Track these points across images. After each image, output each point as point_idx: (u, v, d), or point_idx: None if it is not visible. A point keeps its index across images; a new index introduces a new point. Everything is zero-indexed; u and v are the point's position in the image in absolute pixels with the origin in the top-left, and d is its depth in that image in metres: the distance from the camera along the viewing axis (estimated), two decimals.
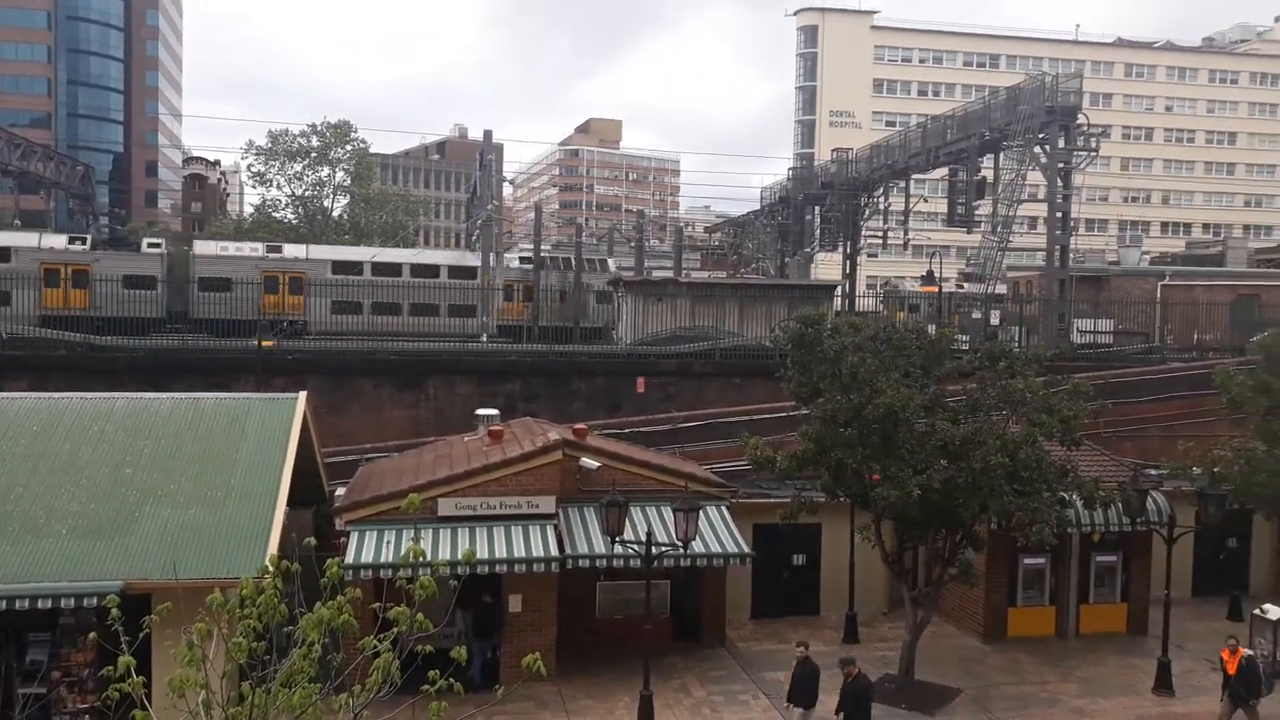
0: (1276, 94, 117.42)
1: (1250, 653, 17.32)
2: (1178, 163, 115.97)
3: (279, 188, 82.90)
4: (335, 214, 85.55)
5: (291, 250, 45.98)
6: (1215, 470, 21.87)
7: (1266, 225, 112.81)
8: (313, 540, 7.74)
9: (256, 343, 33.31)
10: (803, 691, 16.98)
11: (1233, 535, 26.01)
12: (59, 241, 42.71)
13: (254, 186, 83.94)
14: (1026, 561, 22.75)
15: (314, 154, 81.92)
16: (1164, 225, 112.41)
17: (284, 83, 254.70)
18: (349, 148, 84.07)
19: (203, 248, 45.90)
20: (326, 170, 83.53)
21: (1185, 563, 24.81)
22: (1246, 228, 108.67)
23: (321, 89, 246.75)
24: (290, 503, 17.47)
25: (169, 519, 16.28)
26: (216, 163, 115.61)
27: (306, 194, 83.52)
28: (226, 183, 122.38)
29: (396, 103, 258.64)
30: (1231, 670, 17.04)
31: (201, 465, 17.67)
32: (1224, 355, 37.32)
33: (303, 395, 19.93)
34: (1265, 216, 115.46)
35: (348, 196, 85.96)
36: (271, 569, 7.26)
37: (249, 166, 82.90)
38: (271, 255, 44.50)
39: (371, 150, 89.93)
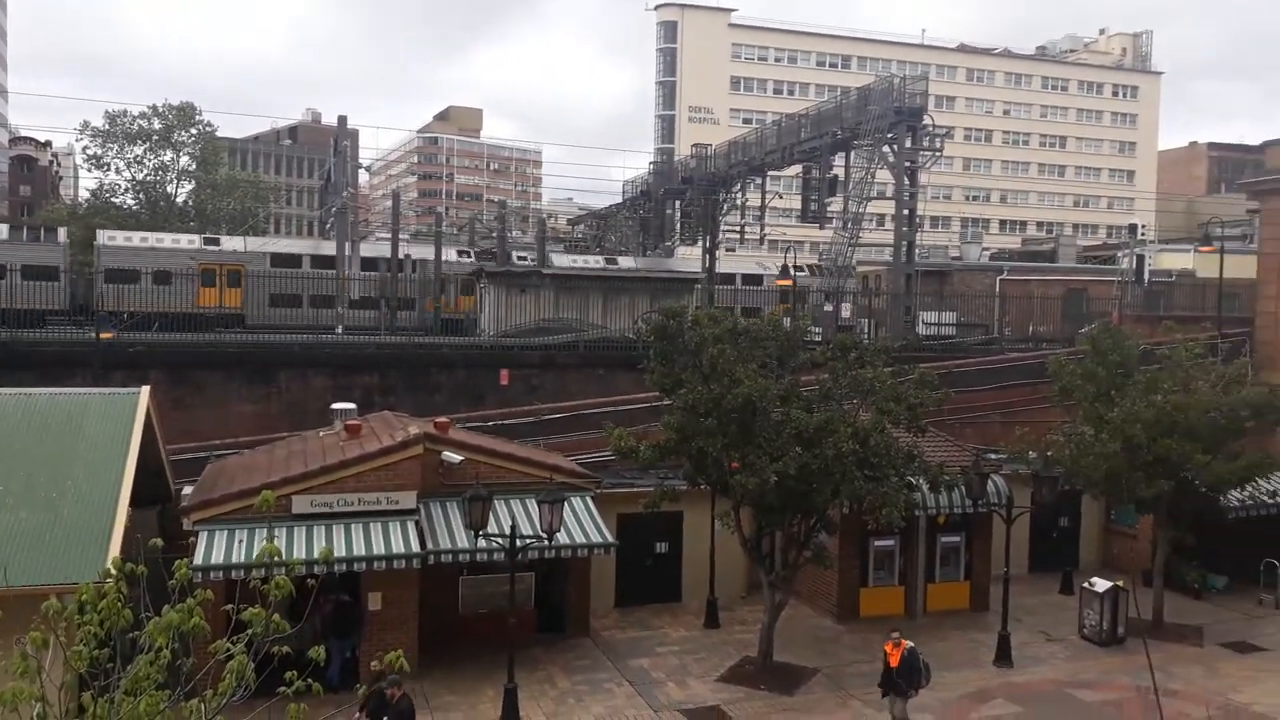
0: (1101, 101, 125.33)
1: (912, 645, 17.31)
2: (1014, 164, 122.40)
3: (118, 172, 78.41)
4: (180, 200, 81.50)
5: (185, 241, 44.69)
6: (1049, 454, 23.23)
7: (1093, 225, 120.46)
8: (159, 541, 7.38)
9: (94, 335, 31.45)
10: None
11: (1064, 515, 27.78)
12: None
13: (90, 170, 79.15)
14: (877, 544, 23.72)
15: (155, 137, 77.76)
16: (1002, 223, 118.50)
17: (117, 58, 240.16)
18: (194, 131, 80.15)
19: (110, 238, 44.16)
20: (170, 154, 79.42)
21: (1022, 541, 26.33)
22: (1076, 226, 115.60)
23: (160, 67, 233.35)
24: (134, 503, 16.60)
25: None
26: (47, 144, 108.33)
27: (148, 179, 79.25)
28: (59, 165, 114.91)
29: (244, 84, 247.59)
30: (894, 663, 17.11)
31: (34, 465, 16.58)
32: (1056, 345, 39.63)
33: (145, 390, 18.95)
34: (1092, 216, 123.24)
35: (193, 182, 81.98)
36: (114, 572, 6.91)
37: (84, 149, 78.13)
38: (209, 247, 43.77)
39: (218, 134, 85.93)
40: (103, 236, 44.61)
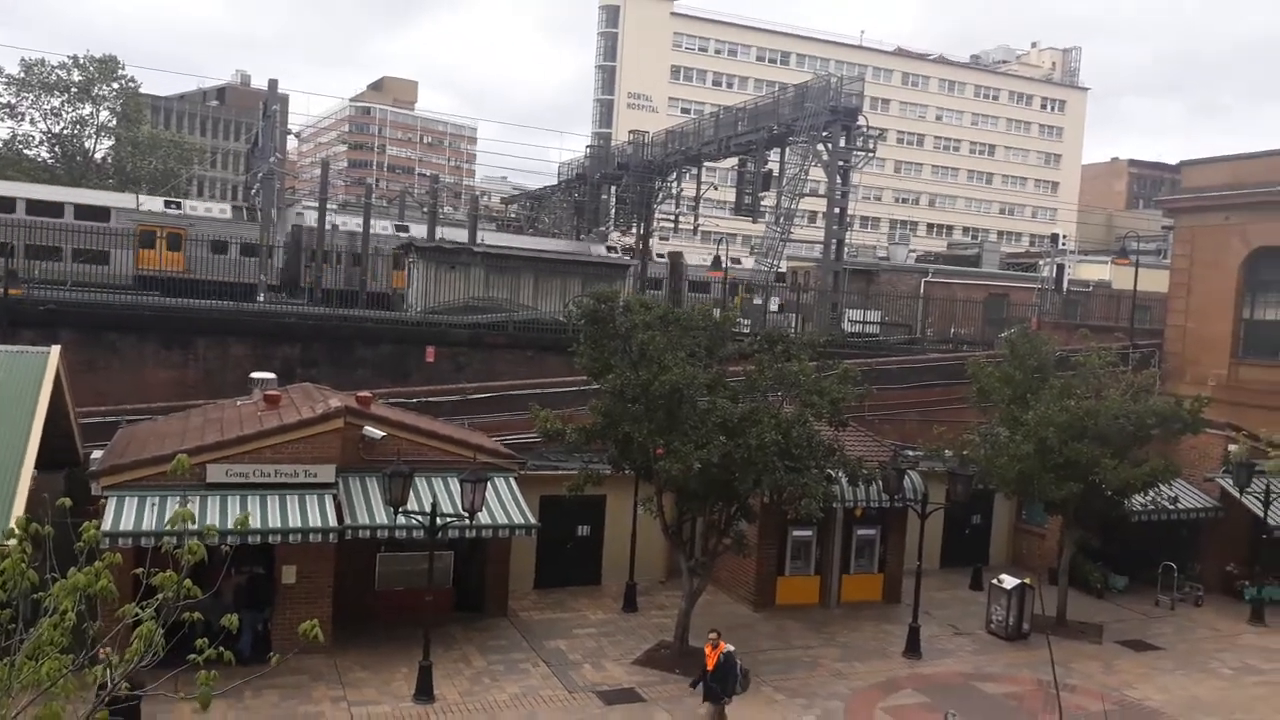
0: (1030, 113, 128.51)
1: (730, 649, 16.56)
2: (944, 169, 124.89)
3: (32, 123, 75.26)
4: (99, 156, 78.64)
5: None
6: (964, 453, 23.81)
7: (1016, 232, 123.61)
8: (68, 501, 7.13)
9: (2, 290, 30.22)
10: None
11: (977, 513, 28.49)
12: None
13: (2, 119, 75.85)
14: (795, 534, 24.05)
15: (75, 89, 74.82)
16: (930, 226, 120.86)
17: (28, 5, 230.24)
18: (115, 85, 77.29)
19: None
20: (89, 108, 76.51)
21: (936, 537, 26.98)
22: (1000, 233, 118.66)
23: (80, 14, 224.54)
24: (40, 465, 16.04)
25: None
26: None
27: (65, 132, 76.26)
28: None
29: (171, 41, 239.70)
30: (710, 666, 16.39)
31: None
32: (976, 348, 40.59)
33: (55, 349, 18.29)
34: (1016, 224, 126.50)
35: (113, 138, 79.13)
36: (18, 532, 6.65)
37: None
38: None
39: (142, 91, 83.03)
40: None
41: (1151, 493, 23.68)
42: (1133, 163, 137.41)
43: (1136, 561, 26.77)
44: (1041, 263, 61.67)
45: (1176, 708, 19.21)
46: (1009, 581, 23.00)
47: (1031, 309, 48.95)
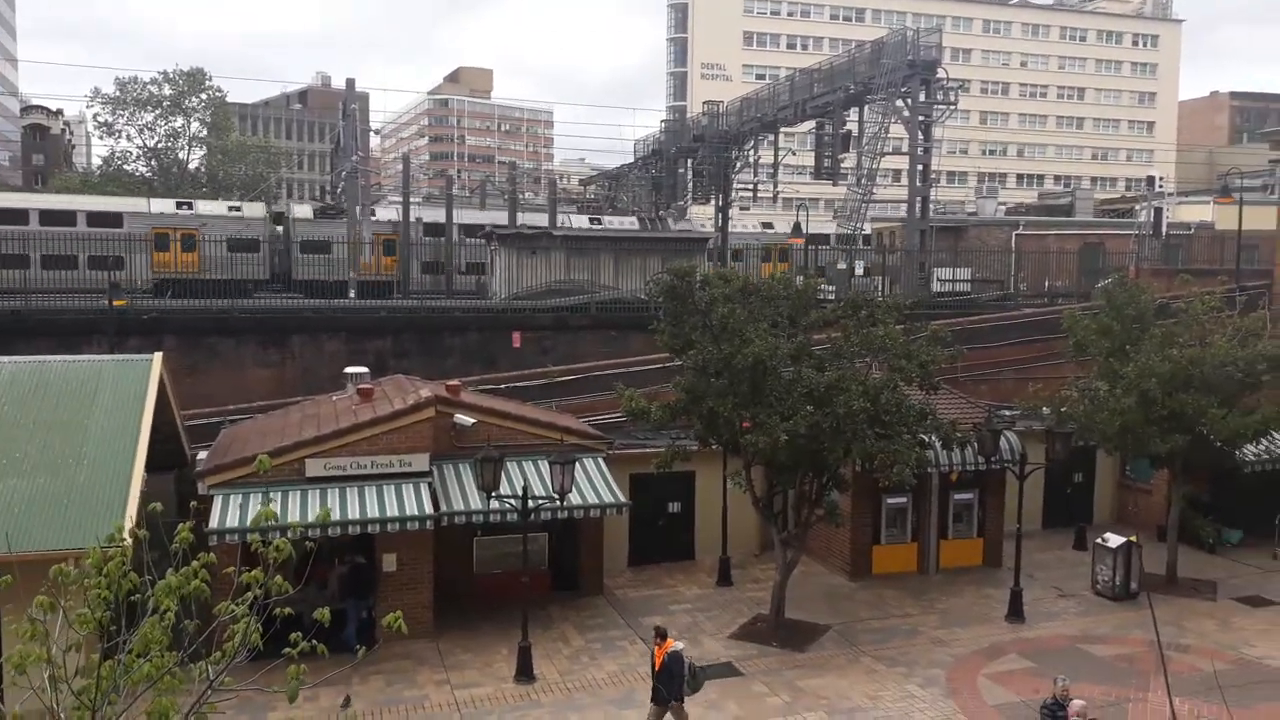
0: (1120, 51, 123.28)
1: (678, 649, 15.24)
2: (1032, 117, 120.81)
3: (129, 139, 78.41)
4: (192, 166, 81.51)
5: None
6: (1062, 410, 23.10)
7: (1111, 177, 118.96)
8: (159, 506, 7.44)
9: (108, 301, 31.62)
10: None
11: (1078, 471, 27.68)
12: None
13: (101, 137, 79.16)
14: (889, 501, 23.72)
15: (166, 103, 77.63)
16: (1019, 177, 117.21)
17: (120, 22, 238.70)
18: (204, 96, 79.97)
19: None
20: (180, 120, 79.33)
21: (1036, 498, 26.31)
22: (1094, 180, 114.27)
23: (164, 31, 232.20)
24: (150, 468, 16.78)
25: (15, 489, 15.42)
26: (59, 112, 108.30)
27: (160, 145, 79.23)
28: (71, 133, 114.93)
29: (249, 47, 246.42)
30: (656, 665, 15.21)
31: (50, 432, 16.74)
32: (1072, 300, 39.32)
33: (158, 356, 19.06)
34: (1110, 169, 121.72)
35: (204, 148, 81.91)
36: (120, 537, 6.98)
37: (95, 116, 78.12)
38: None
39: (228, 99, 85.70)
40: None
41: (1264, 441, 22.66)
42: (1234, 95, 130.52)
43: (1251, 514, 25.69)
44: (1138, 207, 59.22)
45: None
46: (1114, 540, 22.31)
47: (1129, 257, 47.08)
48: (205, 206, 45.75)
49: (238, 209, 45.42)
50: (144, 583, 6.52)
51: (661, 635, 15.54)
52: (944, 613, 21.41)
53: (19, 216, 40.36)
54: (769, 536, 22.31)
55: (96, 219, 41.31)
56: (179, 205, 44.64)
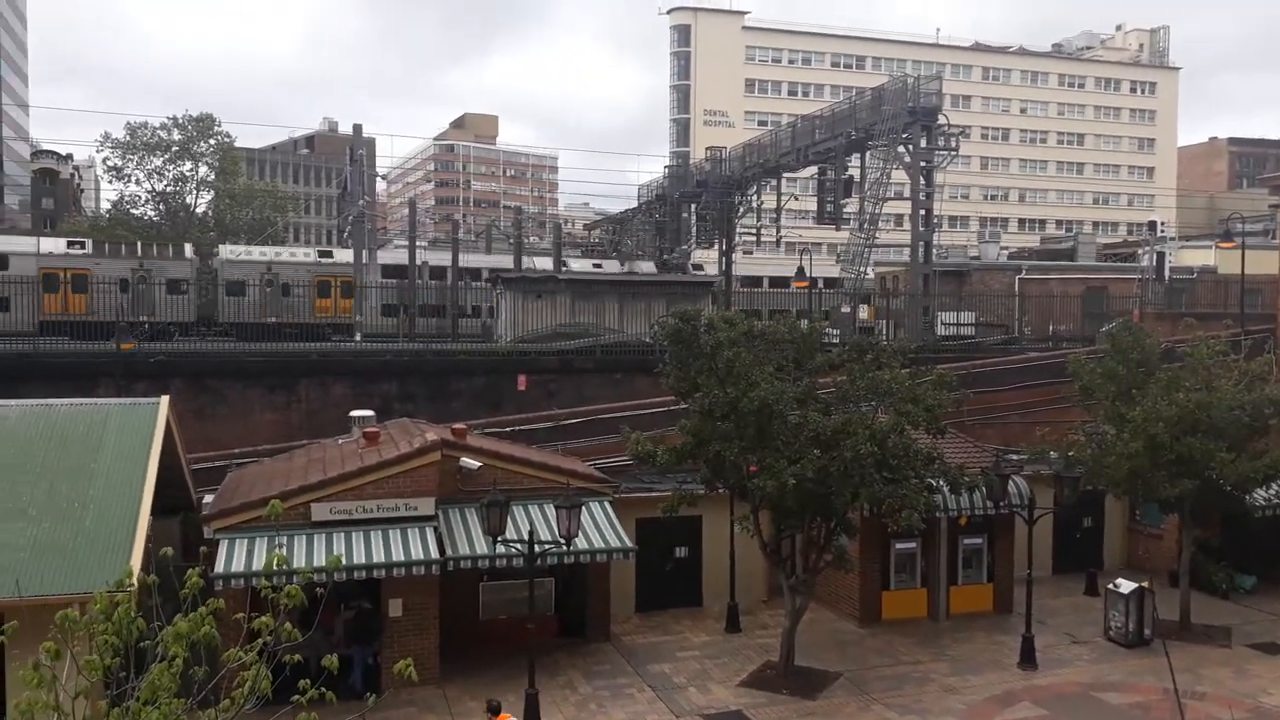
0: (1119, 98, 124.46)
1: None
2: (1032, 162, 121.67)
3: (138, 183, 79.10)
4: (199, 210, 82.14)
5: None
6: (1070, 454, 22.98)
7: (1112, 221, 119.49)
8: (169, 550, 7.39)
9: (115, 345, 31.67)
10: None
11: (1087, 515, 27.49)
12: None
13: (110, 182, 79.84)
14: (898, 546, 23.53)
15: (175, 148, 78.40)
16: (1021, 222, 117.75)
17: (129, 67, 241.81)
18: (212, 141, 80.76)
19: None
20: (189, 165, 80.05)
21: (1045, 542, 26.09)
22: (1095, 224, 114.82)
23: (173, 75, 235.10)
24: (155, 511, 16.72)
25: (20, 533, 15.36)
26: (69, 157, 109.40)
27: (168, 190, 79.90)
28: (80, 178, 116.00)
29: (256, 91, 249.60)
30: None
31: (56, 475, 16.70)
32: (1076, 344, 39.30)
33: (164, 400, 19.07)
34: (1111, 214, 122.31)
35: (212, 192, 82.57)
36: (127, 582, 6.92)
37: (105, 160, 78.83)
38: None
39: (237, 144, 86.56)
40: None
41: (1275, 485, 22.50)
42: (1233, 140, 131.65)
43: (1264, 559, 25.47)
44: (1140, 252, 59.36)
45: None
46: (1126, 585, 22.09)
47: (1133, 300, 47.18)
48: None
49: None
50: (152, 629, 6.45)
51: (494, 710, 15.22)
52: (955, 659, 21.15)
53: None
54: (777, 582, 22.11)
55: None
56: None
